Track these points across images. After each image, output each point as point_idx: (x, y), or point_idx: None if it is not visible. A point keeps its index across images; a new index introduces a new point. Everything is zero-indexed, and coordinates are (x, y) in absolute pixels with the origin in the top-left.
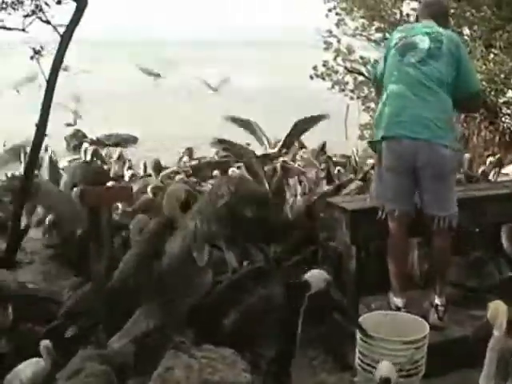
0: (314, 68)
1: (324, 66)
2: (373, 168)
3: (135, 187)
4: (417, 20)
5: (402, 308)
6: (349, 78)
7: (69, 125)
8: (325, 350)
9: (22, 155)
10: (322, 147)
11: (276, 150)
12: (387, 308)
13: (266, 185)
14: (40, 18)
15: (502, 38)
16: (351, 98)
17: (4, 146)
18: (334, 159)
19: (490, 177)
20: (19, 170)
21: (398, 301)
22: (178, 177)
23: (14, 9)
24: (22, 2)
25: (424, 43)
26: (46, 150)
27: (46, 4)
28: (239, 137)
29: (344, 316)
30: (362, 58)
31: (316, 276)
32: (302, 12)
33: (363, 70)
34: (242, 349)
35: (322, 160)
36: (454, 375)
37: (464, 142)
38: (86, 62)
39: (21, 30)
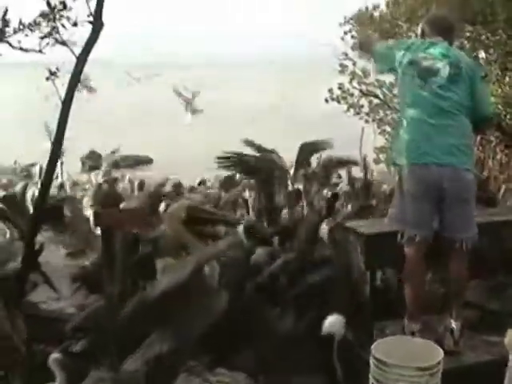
0: (330, 91)
1: (339, 88)
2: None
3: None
4: (422, 36)
5: (417, 333)
6: (364, 101)
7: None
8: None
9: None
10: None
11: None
12: (402, 333)
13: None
14: (56, 40)
15: None
16: (366, 121)
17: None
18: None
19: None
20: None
21: (412, 326)
22: None
23: (31, 30)
24: (38, 24)
25: (445, 69)
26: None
27: (63, 26)
28: None
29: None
30: (377, 80)
31: (337, 324)
32: (318, 34)
33: (378, 92)
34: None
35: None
36: None
37: (480, 166)
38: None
39: (37, 52)
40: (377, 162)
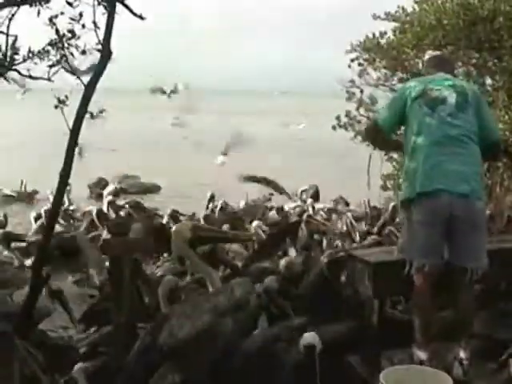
0: (337, 118)
1: (347, 116)
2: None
3: None
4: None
5: (426, 361)
6: None
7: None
8: None
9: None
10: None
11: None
12: (410, 361)
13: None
14: (65, 68)
15: None
16: (374, 148)
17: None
18: (352, 207)
19: None
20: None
21: (421, 354)
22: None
23: (40, 58)
24: (47, 51)
25: (452, 97)
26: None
27: (71, 54)
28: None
29: None
30: None
31: (315, 337)
32: (323, 62)
33: None
34: None
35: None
36: None
37: (487, 192)
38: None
39: (46, 80)
40: (384, 188)
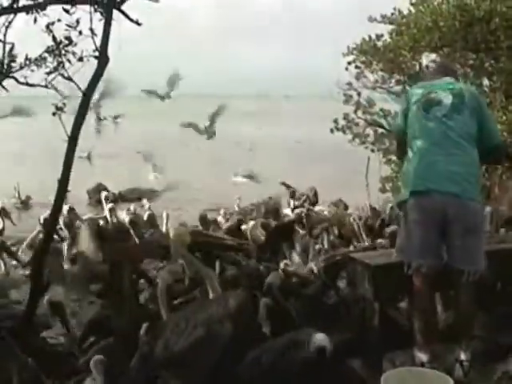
0: (335, 121)
1: (344, 119)
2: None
3: None
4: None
5: (427, 363)
6: (369, 131)
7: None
8: None
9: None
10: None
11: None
12: (411, 363)
13: None
14: (62, 75)
15: None
16: (372, 151)
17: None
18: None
19: None
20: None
21: (422, 356)
22: None
23: (37, 65)
24: (44, 59)
25: (447, 98)
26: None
27: (68, 61)
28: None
29: None
30: (382, 110)
31: (326, 338)
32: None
33: (384, 122)
34: None
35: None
36: None
37: (486, 194)
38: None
39: (43, 87)
40: (383, 191)
